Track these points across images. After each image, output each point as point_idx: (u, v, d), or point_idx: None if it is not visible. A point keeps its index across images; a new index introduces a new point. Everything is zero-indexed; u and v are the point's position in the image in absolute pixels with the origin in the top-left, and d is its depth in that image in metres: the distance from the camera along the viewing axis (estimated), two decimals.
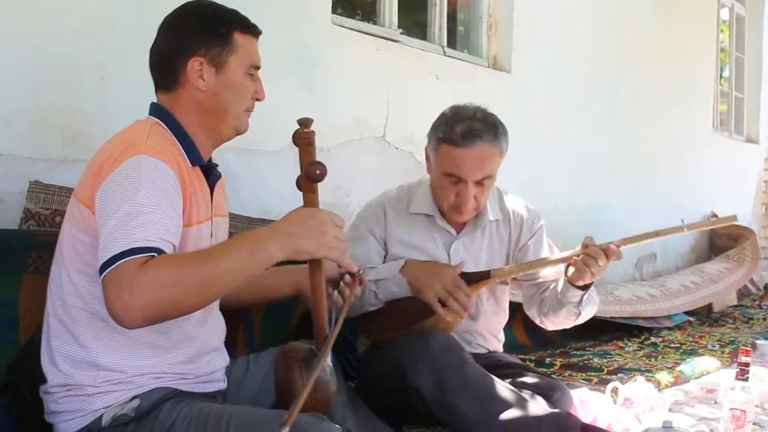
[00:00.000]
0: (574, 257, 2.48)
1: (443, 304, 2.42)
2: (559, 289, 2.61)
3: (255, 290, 2.24)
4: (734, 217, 2.72)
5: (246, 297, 2.21)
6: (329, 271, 2.08)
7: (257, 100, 1.99)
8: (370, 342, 2.68)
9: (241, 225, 2.83)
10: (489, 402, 2.27)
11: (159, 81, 1.96)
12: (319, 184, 1.76)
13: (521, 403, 2.29)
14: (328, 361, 1.80)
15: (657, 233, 2.58)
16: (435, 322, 2.44)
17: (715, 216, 2.62)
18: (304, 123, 1.73)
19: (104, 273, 1.56)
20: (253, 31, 2.00)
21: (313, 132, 1.74)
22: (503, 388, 2.34)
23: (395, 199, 2.78)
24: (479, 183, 2.56)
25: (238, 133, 2.00)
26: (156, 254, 1.58)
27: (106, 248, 1.59)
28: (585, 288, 2.55)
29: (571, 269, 2.52)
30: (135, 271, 1.53)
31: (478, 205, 2.63)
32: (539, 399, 2.37)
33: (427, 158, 2.70)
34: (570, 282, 2.54)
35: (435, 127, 2.63)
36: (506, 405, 2.27)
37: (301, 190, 1.79)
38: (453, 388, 2.27)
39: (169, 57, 1.93)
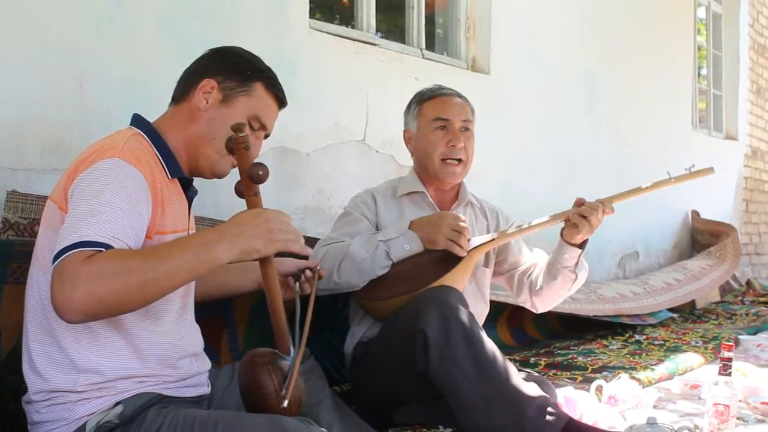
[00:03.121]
0: (571, 214, 2.63)
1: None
2: (553, 257, 2.73)
3: (219, 285, 2.28)
4: (711, 169, 2.83)
5: (209, 292, 2.23)
6: (288, 267, 2.18)
7: None
8: (362, 336, 2.72)
9: None
10: (489, 363, 2.30)
11: (174, 93, 2.04)
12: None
13: (517, 377, 2.32)
14: (292, 360, 1.79)
15: (646, 187, 2.79)
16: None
17: (695, 171, 2.76)
18: (238, 128, 1.73)
19: (53, 265, 1.56)
20: (277, 94, 2.06)
21: (247, 136, 1.73)
22: (503, 357, 2.36)
23: (382, 189, 2.91)
24: (464, 130, 2.78)
25: (215, 174, 2.02)
26: (104, 250, 1.58)
27: (59, 242, 1.59)
28: (582, 246, 2.68)
29: (566, 229, 2.66)
30: (80, 263, 1.53)
31: (467, 158, 2.79)
32: (533, 383, 2.39)
33: (409, 140, 2.90)
34: (566, 241, 2.66)
35: (410, 103, 2.91)
36: (503, 372, 2.30)
37: (241, 196, 1.79)
38: (457, 340, 2.30)
39: (192, 73, 2.03)
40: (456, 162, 2.76)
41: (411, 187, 2.85)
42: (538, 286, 2.80)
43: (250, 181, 1.73)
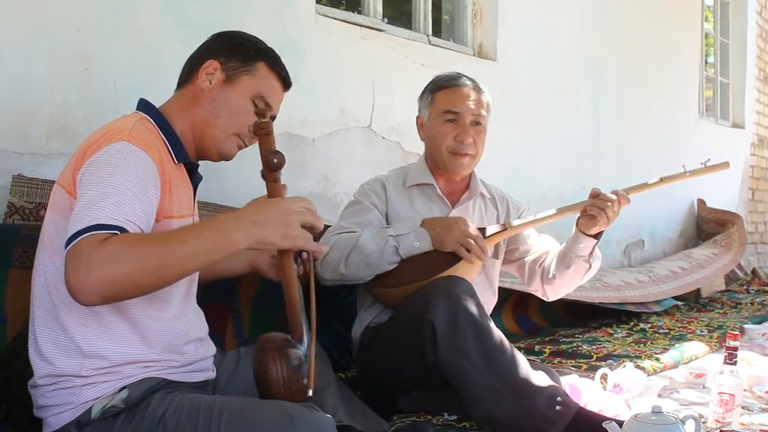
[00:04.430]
0: (587, 206, 2.60)
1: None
2: (567, 246, 2.70)
3: (210, 268, 2.24)
4: (727, 164, 2.84)
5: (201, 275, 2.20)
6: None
7: (254, 134, 1.98)
8: (370, 321, 2.72)
9: None
10: (498, 353, 2.30)
11: (179, 79, 2.04)
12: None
13: (526, 367, 2.32)
14: (303, 350, 1.79)
15: (662, 180, 2.73)
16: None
17: (710, 166, 2.76)
18: (261, 113, 1.71)
19: (67, 249, 1.55)
20: (281, 73, 2.05)
21: (270, 122, 1.71)
22: (513, 347, 2.37)
23: (392, 177, 2.87)
24: (474, 124, 2.73)
25: (221, 155, 2.01)
26: (119, 233, 1.57)
27: (72, 225, 1.58)
28: (597, 237, 2.66)
29: (581, 220, 2.64)
30: (95, 246, 1.52)
31: (476, 152, 2.76)
32: (542, 372, 2.39)
33: (421, 126, 2.85)
34: (582, 231, 2.63)
35: (425, 90, 2.85)
36: (512, 362, 2.30)
37: (265, 180, 1.78)
38: (466, 331, 2.30)
39: (195, 57, 2.03)
40: (463, 155, 2.73)
41: (420, 179, 2.82)
42: (551, 275, 2.78)
43: (266, 167, 1.72)
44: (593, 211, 2.58)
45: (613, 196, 2.57)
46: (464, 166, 2.76)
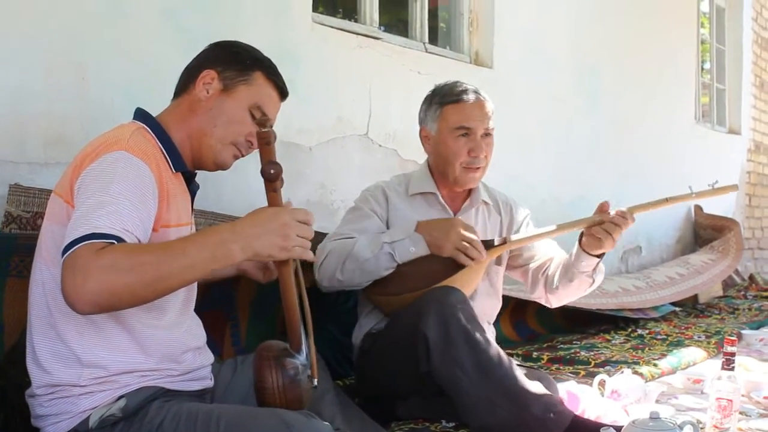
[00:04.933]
0: (593, 227, 2.55)
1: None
2: (571, 261, 2.67)
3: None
4: (735, 186, 2.80)
5: None
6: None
7: (250, 144, 1.99)
8: (370, 328, 2.72)
9: None
10: (492, 363, 2.29)
11: (176, 88, 2.04)
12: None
13: (521, 376, 2.32)
14: (301, 359, 1.79)
15: (667, 200, 2.71)
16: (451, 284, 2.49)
17: (717, 188, 2.72)
18: (262, 123, 1.70)
19: (64, 257, 1.55)
20: (277, 82, 2.05)
21: (270, 131, 1.69)
22: (506, 356, 2.36)
23: (394, 184, 2.86)
24: (485, 136, 2.71)
25: (217, 165, 2.01)
26: (116, 242, 1.57)
27: (69, 234, 1.58)
28: (600, 255, 2.63)
29: (585, 239, 2.59)
30: (92, 255, 1.52)
31: (486, 163, 2.74)
32: (537, 382, 2.39)
33: (426, 138, 2.81)
34: (585, 251, 2.60)
35: (430, 101, 2.80)
36: (507, 371, 2.29)
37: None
38: (458, 341, 2.30)
39: (192, 68, 2.03)
40: (476, 168, 2.72)
41: (422, 188, 2.80)
42: (554, 285, 2.76)
43: (263, 178, 1.70)
44: (600, 234, 2.53)
45: (622, 219, 2.53)
46: (476, 180, 2.76)
